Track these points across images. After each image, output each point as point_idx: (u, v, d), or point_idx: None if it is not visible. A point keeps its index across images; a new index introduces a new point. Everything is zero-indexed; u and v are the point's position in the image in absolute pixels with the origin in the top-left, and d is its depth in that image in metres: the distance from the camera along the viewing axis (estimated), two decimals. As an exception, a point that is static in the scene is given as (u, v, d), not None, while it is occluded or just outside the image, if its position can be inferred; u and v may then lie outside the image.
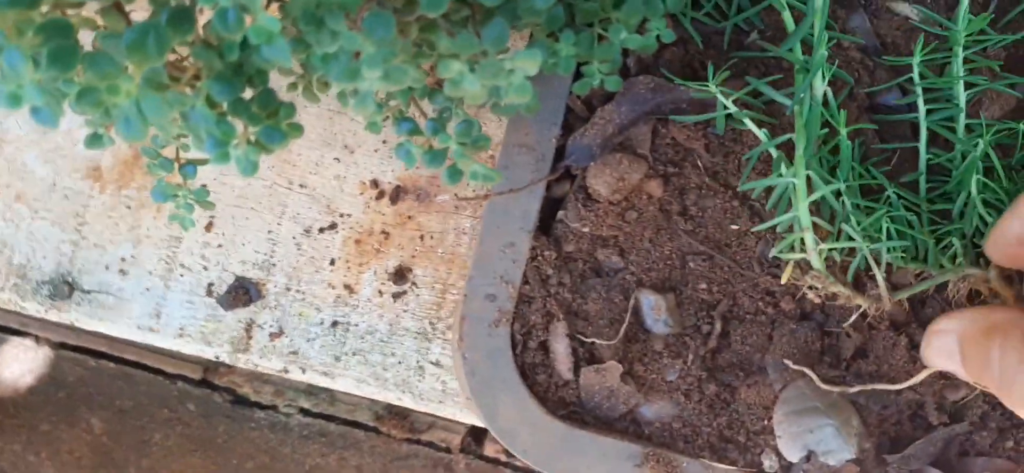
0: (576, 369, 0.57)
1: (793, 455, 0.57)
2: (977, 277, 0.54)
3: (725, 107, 0.51)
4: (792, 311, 0.58)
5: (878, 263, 0.52)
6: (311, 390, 1.27)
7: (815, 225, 0.52)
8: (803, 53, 0.52)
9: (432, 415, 1.27)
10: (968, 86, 0.54)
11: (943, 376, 0.59)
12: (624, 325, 0.57)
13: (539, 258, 0.57)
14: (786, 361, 0.56)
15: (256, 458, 1.28)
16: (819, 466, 0.57)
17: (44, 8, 0.31)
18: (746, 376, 0.58)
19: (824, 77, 0.48)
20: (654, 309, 0.57)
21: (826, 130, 0.52)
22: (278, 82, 0.42)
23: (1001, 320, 0.49)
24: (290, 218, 0.72)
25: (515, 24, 0.39)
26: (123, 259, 0.71)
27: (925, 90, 0.55)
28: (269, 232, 0.72)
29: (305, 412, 1.28)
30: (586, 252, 0.58)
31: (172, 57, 0.36)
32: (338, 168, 0.72)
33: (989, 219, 0.52)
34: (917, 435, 0.59)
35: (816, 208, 0.52)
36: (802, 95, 0.47)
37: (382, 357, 0.73)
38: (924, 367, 0.56)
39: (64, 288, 0.70)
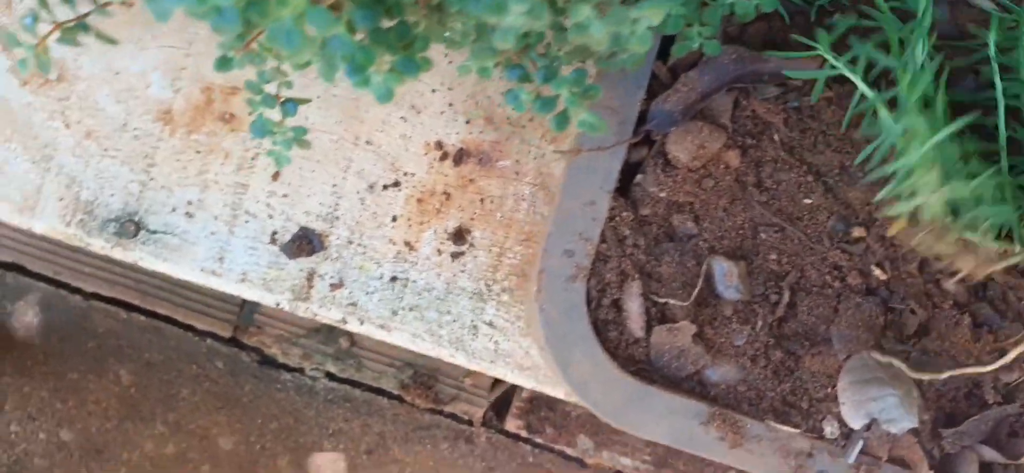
0: (648, 328, 0.58)
1: (855, 422, 0.58)
2: None
3: (833, 67, 0.52)
4: (858, 286, 0.59)
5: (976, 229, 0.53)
6: (338, 355, 1.29)
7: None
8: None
9: (458, 386, 1.28)
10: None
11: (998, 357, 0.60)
12: (697, 289, 0.58)
13: (617, 218, 0.58)
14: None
15: (280, 419, 1.29)
16: (880, 434, 0.58)
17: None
18: (811, 345, 0.59)
19: (924, 45, 0.50)
20: (726, 276, 0.58)
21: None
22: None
23: None
24: (355, 173, 0.73)
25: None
26: (189, 202, 0.72)
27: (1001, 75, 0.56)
28: (334, 186, 0.73)
29: (331, 376, 1.29)
30: (662, 216, 0.59)
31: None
32: (404, 127, 0.73)
33: None
34: (971, 412, 0.60)
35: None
36: (907, 59, 0.49)
37: (438, 314, 0.74)
38: (985, 347, 0.58)
39: (130, 227, 0.71)
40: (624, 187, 0.59)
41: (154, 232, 0.71)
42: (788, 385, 0.59)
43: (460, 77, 0.72)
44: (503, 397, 1.30)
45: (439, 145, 0.73)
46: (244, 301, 1.22)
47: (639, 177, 0.59)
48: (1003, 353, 0.56)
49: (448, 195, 0.73)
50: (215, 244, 0.72)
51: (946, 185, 0.50)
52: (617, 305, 0.58)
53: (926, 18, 0.48)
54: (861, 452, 0.59)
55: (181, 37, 0.71)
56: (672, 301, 0.57)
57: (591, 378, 0.57)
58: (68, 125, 0.71)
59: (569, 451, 1.35)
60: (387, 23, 0.38)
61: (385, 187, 0.73)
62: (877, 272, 0.59)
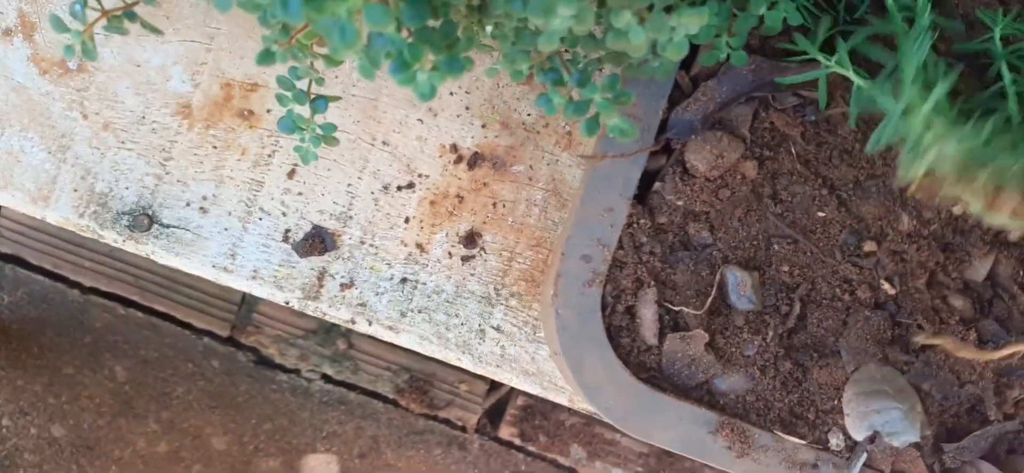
0: (661, 335, 0.59)
1: (859, 434, 0.59)
2: None
3: (827, 67, 0.53)
4: (867, 299, 0.60)
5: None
6: (335, 357, 1.29)
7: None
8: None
9: (453, 392, 1.28)
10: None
11: (1001, 374, 0.62)
12: (710, 298, 0.59)
13: (634, 225, 0.59)
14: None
15: (275, 420, 1.28)
16: (883, 447, 0.59)
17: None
18: (820, 357, 0.60)
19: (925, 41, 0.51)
20: (739, 285, 0.59)
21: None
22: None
23: None
24: (371, 173, 0.73)
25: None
26: (204, 197, 0.72)
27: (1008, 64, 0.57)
28: (349, 185, 0.73)
29: (327, 378, 1.29)
30: (678, 225, 0.60)
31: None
32: (421, 129, 0.74)
33: None
34: (973, 428, 0.62)
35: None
36: (906, 55, 0.50)
37: (446, 317, 0.74)
38: (989, 363, 0.59)
39: (144, 220, 0.71)
40: (642, 194, 0.60)
41: (167, 226, 0.72)
42: (796, 396, 0.60)
43: (480, 80, 0.73)
44: (497, 404, 1.31)
45: (454, 148, 0.74)
46: (243, 299, 1.23)
47: (657, 185, 0.60)
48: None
49: (461, 198, 0.74)
50: (228, 240, 0.72)
51: (954, 134, 0.50)
52: (631, 312, 0.59)
53: (924, 16, 0.49)
54: (864, 464, 0.60)
55: (202, 32, 0.71)
56: (686, 309, 0.58)
57: (603, 383, 0.58)
58: (86, 116, 0.71)
59: (562, 460, 1.36)
60: (433, 22, 0.39)
61: (399, 188, 0.74)
62: (886, 286, 0.60)
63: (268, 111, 0.72)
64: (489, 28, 0.42)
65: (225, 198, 0.72)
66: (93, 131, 0.71)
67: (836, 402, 0.60)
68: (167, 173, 0.72)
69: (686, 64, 0.59)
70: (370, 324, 0.74)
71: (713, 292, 0.59)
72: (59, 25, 0.42)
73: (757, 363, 0.60)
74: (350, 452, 1.29)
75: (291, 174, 0.72)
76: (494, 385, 1.28)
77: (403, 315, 0.74)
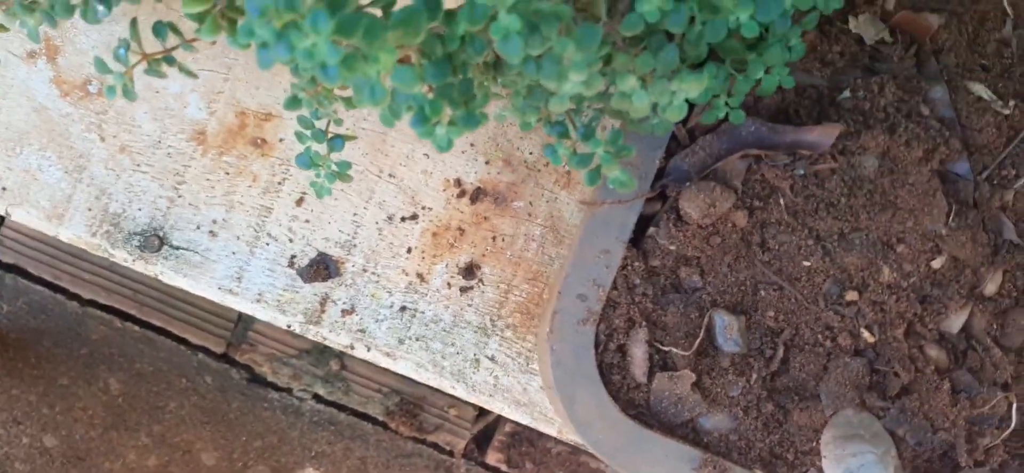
0: (650, 374, 0.62)
1: (837, 477, 0.62)
2: None
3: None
4: (848, 346, 0.63)
5: None
6: (328, 377, 1.31)
7: None
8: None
9: (442, 416, 1.30)
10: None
11: (973, 422, 0.65)
12: (698, 339, 0.62)
13: (629, 268, 0.62)
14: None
15: (265, 437, 1.30)
16: (861, 490, 0.62)
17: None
18: (800, 400, 0.63)
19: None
20: (726, 328, 0.62)
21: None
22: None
23: None
24: (376, 204, 0.76)
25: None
26: (214, 221, 0.74)
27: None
28: (355, 214, 0.76)
29: (318, 398, 1.31)
30: (670, 268, 0.63)
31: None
32: (426, 163, 0.76)
33: None
34: (946, 474, 0.64)
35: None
36: None
37: (442, 346, 0.77)
38: (962, 412, 0.62)
39: (154, 241, 0.74)
40: (637, 238, 0.63)
41: (177, 248, 0.74)
42: (776, 437, 0.63)
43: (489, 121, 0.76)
44: (485, 430, 1.33)
45: (458, 182, 0.77)
46: (240, 317, 1.25)
47: (652, 230, 0.63)
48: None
49: (462, 231, 0.77)
50: (235, 264, 0.75)
51: None
52: (622, 350, 0.62)
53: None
54: (840, 505, 0.63)
55: (221, 62, 0.74)
56: (674, 350, 0.61)
57: (594, 418, 0.61)
58: (103, 138, 0.74)
59: (547, 488, 1.38)
60: (452, 79, 0.42)
61: (403, 219, 0.76)
62: (866, 334, 0.63)
63: (280, 140, 0.75)
64: (501, 81, 0.44)
65: (234, 223, 0.75)
66: (110, 153, 0.74)
67: (814, 444, 0.63)
68: (179, 196, 0.74)
69: (684, 117, 0.62)
70: (368, 350, 0.77)
71: (701, 334, 0.62)
72: (103, 67, 0.45)
73: (741, 404, 0.63)
74: (338, 472, 1.30)
75: (299, 202, 0.75)
76: (483, 411, 1.31)
77: (401, 342, 0.77)
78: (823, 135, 0.61)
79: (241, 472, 1.30)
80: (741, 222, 0.62)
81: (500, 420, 1.30)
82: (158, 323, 1.23)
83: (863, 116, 0.63)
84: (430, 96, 0.40)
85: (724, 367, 0.63)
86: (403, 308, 0.76)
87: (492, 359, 0.77)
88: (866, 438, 0.63)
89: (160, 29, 0.44)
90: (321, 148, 0.54)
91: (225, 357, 1.26)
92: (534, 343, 0.74)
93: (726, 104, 0.52)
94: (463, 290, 0.77)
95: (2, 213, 0.73)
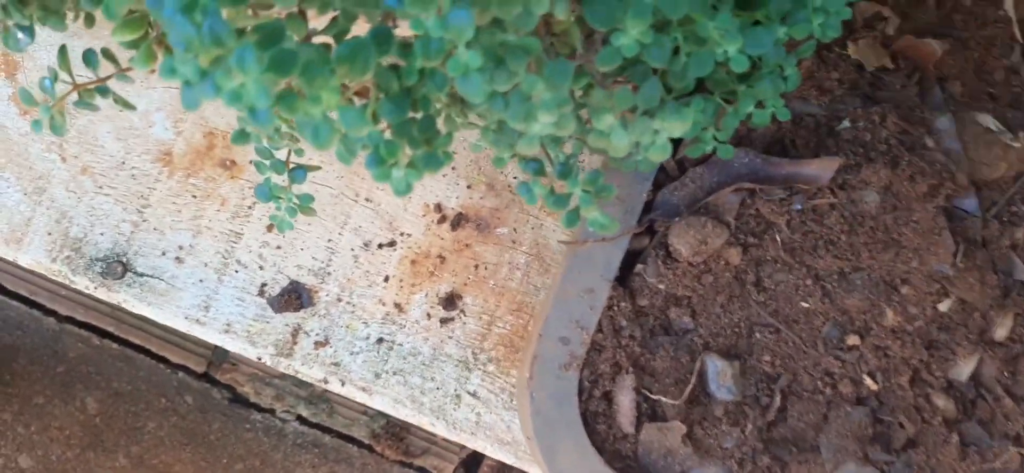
0: (638, 424, 0.58)
1: (837, 535, 0.58)
2: None
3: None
4: (849, 394, 0.59)
5: None
6: (312, 399, 1.27)
7: None
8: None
9: (429, 440, 1.26)
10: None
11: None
12: (689, 386, 0.58)
13: (615, 308, 0.58)
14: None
15: (247, 460, 1.26)
16: (861, 550, 0.58)
17: (249, 6, 0.32)
18: (799, 452, 0.59)
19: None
20: (719, 375, 0.58)
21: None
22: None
23: None
24: (352, 230, 0.72)
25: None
26: (181, 247, 0.71)
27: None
28: (329, 240, 0.72)
29: (302, 420, 1.27)
30: (659, 308, 0.59)
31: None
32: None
33: None
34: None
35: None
36: None
37: (421, 380, 0.73)
38: (972, 466, 0.58)
39: (117, 268, 0.70)
40: (623, 275, 0.59)
41: (141, 275, 0.70)
42: (773, 490, 0.59)
43: (468, 140, 0.72)
44: (474, 455, 1.29)
45: (438, 208, 0.73)
46: (221, 337, 1.21)
47: (639, 267, 0.59)
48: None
49: (443, 258, 0.73)
50: (202, 292, 0.71)
51: None
52: (608, 397, 0.58)
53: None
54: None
55: (186, 81, 0.70)
56: (664, 399, 0.57)
57: (577, 471, 0.56)
58: (64, 159, 0.70)
59: (537, 516, 1.34)
60: (412, 114, 0.38)
61: (380, 246, 0.72)
62: (868, 382, 0.59)
63: (251, 162, 0.71)
64: (469, 116, 0.41)
65: (202, 249, 0.71)
66: (71, 174, 0.70)
67: (813, 498, 0.59)
68: (144, 220, 0.71)
69: (673, 147, 0.58)
70: (343, 385, 0.73)
71: (693, 380, 0.58)
72: (28, 98, 0.41)
73: (735, 456, 0.59)
74: (322, 495, 1.26)
75: (271, 227, 0.71)
76: (478, 451, 1.26)
77: (377, 376, 0.73)
78: (821, 169, 0.57)
79: (222, 495, 1.26)
80: (735, 259, 0.58)
81: (491, 446, 1.26)
82: (137, 341, 1.19)
83: (864, 148, 0.59)
84: (387, 135, 0.36)
85: (717, 416, 0.59)
86: (380, 340, 0.72)
87: (474, 395, 0.73)
88: (867, 492, 0.59)
89: (90, 57, 0.40)
90: (281, 180, 0.50)
91: (206, 376, 1.22)
92: (516, 390, 0.70)
93: (714, 138, 0.48)
94: (443, 321, 0.73)
95: (-44, 237, 0.70)
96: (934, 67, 0.62)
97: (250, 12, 0.34)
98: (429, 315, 0.73)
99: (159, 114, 0.70)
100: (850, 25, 0.62)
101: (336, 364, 0.72)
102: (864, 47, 0.61)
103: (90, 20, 0.35)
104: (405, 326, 0.73)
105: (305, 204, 0.51)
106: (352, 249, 0.72)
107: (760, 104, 0.48)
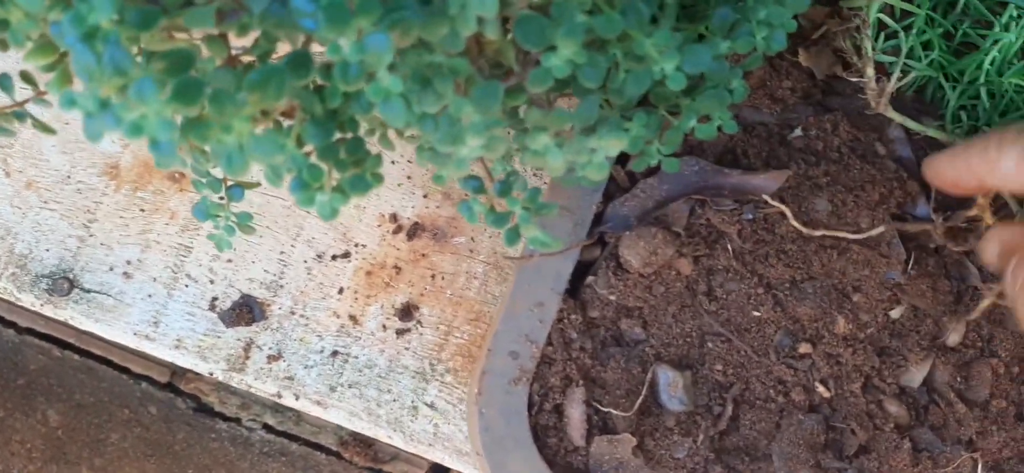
0: (588, 436, 0.57)
1: (790, 545, 0.58)
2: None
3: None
4: (801, 402, 0.59)
5: None
6: (278, 407, 1.26)
7: None
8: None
9: (397, 448, 1.25)
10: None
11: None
12: (640, 398, 0.57)
13: (565, 321, 0.57)
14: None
15: (212, 470, 1.25)
16: (814, 559, 0.58)
17: (160, 31, 0.31)
18: (751, 461, 0.59)
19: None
20: (670, 385, 0.58)
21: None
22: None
23: (1018, 239, 0.51)
24: (304, 241, 0.71)
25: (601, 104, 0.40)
26: (128, 262, 0.69)
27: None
28: (281, 253, 0.71)
29: (269, 428, 1.26)
30: (610, 320, 0.58)
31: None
32: (359, 197, 0.71)
33: None
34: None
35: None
36: None
37: (377, 393, 0.72)
38: (924, 472, 0.58)
39: (64, 284, 0.68)
40: (574, 287, 0.58)
41: (88, 291, 0.69)
42: (727, 500, 0.59)
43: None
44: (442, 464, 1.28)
45: (394, 218, 0.72)
46: (183, 346, 1.19)
47: (590, 278, 0.58)
48: None
49: (399, 269, 0.72)
50: (151, 307, 0.70)
51: None
52: (559, 411, 0.58)
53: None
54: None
55: (131, 93, 0.69)
56: (615, 411, 0.57)
57: (529, 484, 0.56)
58: (8, 173, 0.68)
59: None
60: (340, 136, 0.37)
61: (334, 257, 0.71)
62: (821, 389, 0.59)
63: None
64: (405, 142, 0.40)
65: (151, 263, 0.70)
66: (15, 189, 0.69)
67: (767, 508, 0.58)
68: (91, 236, 0.69)
69: (623, 158, 0.58)
70: (297, 399, 0.72)
71: (643, 391, 0.57)
72: (-60, 121, 0.40)
73: (687, 466, 0.58)
74: (290, 503, 1.25)
75: (221, 241, 0.70)
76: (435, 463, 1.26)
77: (332, 390, 0.72)
78: (770, 179, 0.57)
79: (188, 505, 1.24)
80: (685, 269, 0.58)
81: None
82: (99, 352, 1.18)
83: (815, 156, 0.58)
84: (311, 158, 0.36)
85: (669, 427, 0.58)
86: (334, 353, 0.71)
87: (431, 406, 0.72)
88: (821, 501, 0.59)
89: (5, 82, 0.39)
90: (219, 198, 0.49)
91: (170, 386, 1.20)
92: (466, 407, 0.70)
93: (659, 152, 0.47)
94: (400, 332, 0.72)
95: None
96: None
97: (165, 35, 0.33)
98: (385, 327, 0.72)
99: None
100: (802, 32, 0.61)
101: (290, 378, 0.71)
102: (815, 54, 0.60)
103: (2, 45, 0.34)
104: (360, 338, 0.72)
105: (243, 222, 0.50)
106: (305, 261, 0.71)
107: (706, 117, 0.47)
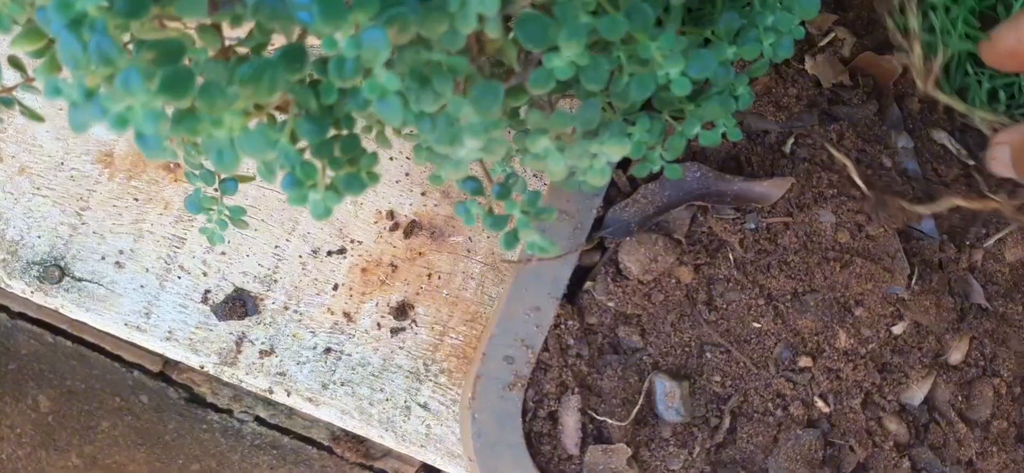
0: (583, 445, 0.56)
1: (785, 561, 0.57)
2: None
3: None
4: (800, 417, 0.58)
5: None
6: (270, 400, 1.25)
7: None
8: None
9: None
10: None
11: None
12: (637, 407, 0.56)
13: (562, 326, 0.56)
14: None
15: (203, 461, 1.24)
16: None
17: (150, 19, 0.30)
18: (747, 475, 0.58)
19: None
20: (668, 395, 0.57)
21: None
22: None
23: None
24: (300, 236, 0.70)
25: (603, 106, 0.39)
26: (121, 251, 0.68)
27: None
28: (276, 247, 0.70)
29: (260, 421, 1.24)
30: (608, 327, 0.57)
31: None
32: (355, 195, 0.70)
33: None
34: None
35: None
36: None
37: (370, 391, 0.71)
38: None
39: (54, 272, 0.67)
40: (572, 292, 0.57)
41: (79, 280, 0.68)
42: (722, 513, 0.58)
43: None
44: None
45: (391, 215, 0.71)
46: (176, 336, 1.18)
47: (589, 284, 0.57)
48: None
49: (395, 267, 0.71)
50: (143, 298, 0.69)
51: None
52: (553, 418, 0.57)
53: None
54: None
55: (128, 80, 0.68)
56: (610, 420, 0.56)
57: (521, 491, 0.55)
58: (1, 158, 0.67)
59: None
60: (335, 132, 0.36)
61: (330, 253, 0.70)
62: (820, 404, 0.58)
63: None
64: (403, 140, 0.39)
65: (143, 253, 0.69)
66: (8, 175, 0.68)
67: (762, 522, 0.58)
68: (83, 223, 0.68)
69: (624, 163, 0.57)
70: (288, 395, 0.71)
71: (640, 401, 0.56)
72: (-77, 106, 0.39)
73: (682, 477, 0.57)
74: (280, 498, 1.24)
75: (215, 233, 0.69)
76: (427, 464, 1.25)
77: (324, 387, 0.71)
78: (772, 188, 0.56)
79: (177, 496, 1.23)
80: (686, 278, 0.57)
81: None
82: (91, 339, 1.17)
83: (820, 166, 0.57)
84: (305, 155, 0.35)
85: (665, 437, 0.57)
86: (328, 350, 0.70)
87: (424, 406, 0.71)
88: (817, 516, 0.58)
89: (-8, 66, 0.38)
90: (212, 191, 0.48)
91: (162, 376, 1.19)
92: (459, 402, 0.69)
93: (661, 157, 0.46)
94: (394, 331, 0.71)
95: None
96: (894, 85, 0.61)
97: (156, 23, 0.32)
98: (379, 325, 0.71)
99: (100, 113, 0.68)
100: (809, 40, 0.60)
101: (282, 374, 0.70)
102: (822, 63, 0.59)
103: (-10, 29, 0.33)
104: (354, 336, 0.71)
105: (236, 217, 0.49)
106: (300, 256, 0.70)
107: (710, 124, 0.46)
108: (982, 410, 0.59)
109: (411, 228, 0.71)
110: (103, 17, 0.27)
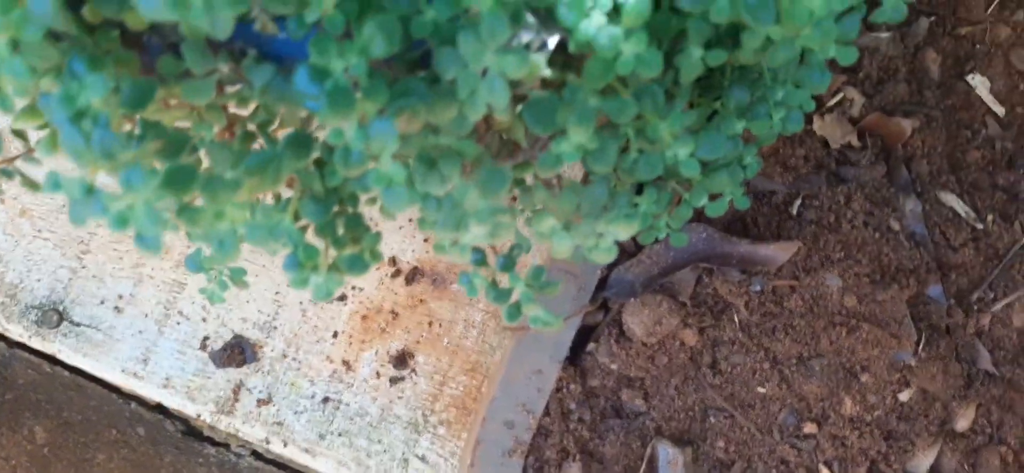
0: (584, 509, 0.55)
1: None
2: None
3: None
4: (804, 483, 0.57)
5: None
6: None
7: None
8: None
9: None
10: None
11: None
12: None
13: (564, 390, 0.55)
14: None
15: (198, 495, 1.23)
16: None
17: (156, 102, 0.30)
18: (750, 541, 0.57)
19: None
20: (670, 463, 0.56)
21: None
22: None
23: None
24: (300, 284, 0.69)
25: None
26: (120, 296, 0.68)
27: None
28: (276, 293, 0.69)
29: (257, 455, 1.24)
30: (611, 390, 0.57)
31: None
32: (357, 242, 0.70)
33: None
34: None
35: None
36: None
37: (368, 443, 0.70)
38: None
39: (53, 316, 0.67)
40: (575, 353, 0.57)
41: (78, 324, 0.67)
42: None
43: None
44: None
45: (393, 261, 0.70)
46: (174, 369, 1.17)
47: (592, 345, 0.56)
48: None
49: (395, 314, 0.70)
50: (141, 344, 0.68)
51: None
52: (555, 481, 0.56)
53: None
54: None
55: (131, 126, 0.68)
56: (613, 485, 0.55)
57: (521, 555, 0.54)
58: (2, 200, 0.67)
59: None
60: (339, 208, 0.35)
61: (330, 300, 0.70)
62: (825, 472, 0.57)
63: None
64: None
65: (143, 298, 0.68)
66: (9, 217, 0.67)
67: None
68: (83, 267, 0.68)
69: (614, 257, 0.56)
70: (285, 445, 0.70)
71: (643, 468, 0.55)
72: (-74, 175, 0.38)
73: (684, 543, 0.56)
74: (276, 532, 1.23)
75: (215, 279, 0.68)
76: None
77: (322, 437, 0.70)
78: (778, 251, 0.55)
79: (172, 529, 1.22)
80: (690, 340, 0.56)
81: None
82: (89, 369, 1.16)
83: (828, 230, 0.57)
84: (307, 236, 0.34)
85: (666, 501, 0.57)
86: (326, 399, 0.70)
87: (423, 459, 0.71)
88: None
89: (-5, 137, 0.38)
90: (211, 250, 0.48)
91: (159, 408, 1.19)
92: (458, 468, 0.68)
93: (667, 225, 0.45)
94: (393, 381, 0.70)
95: None
96: (903, 146, 0.61)
97: (161, 104, 0.32)
98: (379, 374, 0.70)
99: (102, 157, 0.68)
100: (818, 100, 0.60)
101: (279, 423, 0.70)
102: (830, 123, 0.59)
103: (-5, 102, 0.33)
104: (353, 385, 0.70)
105: (237, 278, 0.48)
106: (300, 302, 0.69)
107: (714, 197, 0.46)
108: (989, 479, 0.59)
109: (413, 275, 0.71)
110: (106, 110, 0.26)
